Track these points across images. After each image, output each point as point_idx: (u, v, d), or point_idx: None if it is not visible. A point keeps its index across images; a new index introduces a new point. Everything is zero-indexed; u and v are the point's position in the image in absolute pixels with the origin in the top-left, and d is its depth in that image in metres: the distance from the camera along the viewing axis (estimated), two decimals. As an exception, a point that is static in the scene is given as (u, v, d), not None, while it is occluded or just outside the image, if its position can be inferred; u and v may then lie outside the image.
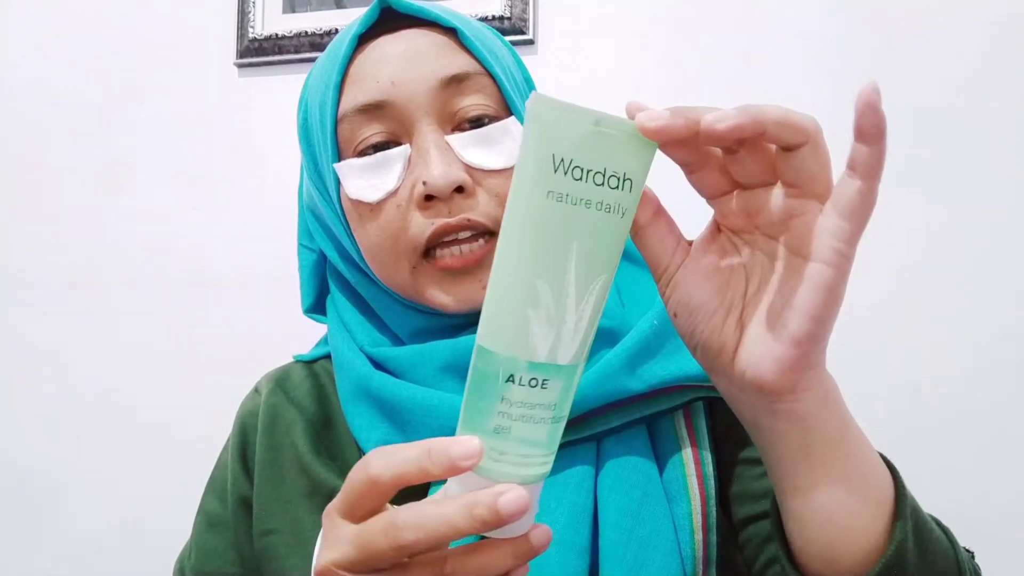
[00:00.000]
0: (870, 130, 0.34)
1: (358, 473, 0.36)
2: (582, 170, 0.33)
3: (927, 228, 0.91)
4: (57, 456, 1.11)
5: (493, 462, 0.35)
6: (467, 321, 0.58)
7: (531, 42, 1.02)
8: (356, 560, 0.36)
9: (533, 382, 0.34)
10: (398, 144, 0.55)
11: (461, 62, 0.55)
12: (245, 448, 0.63)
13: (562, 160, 0.33)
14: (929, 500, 0.90)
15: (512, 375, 0.34)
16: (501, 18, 1.02)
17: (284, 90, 1.09)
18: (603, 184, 0.34)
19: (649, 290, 0.58)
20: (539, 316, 0.34)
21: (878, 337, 0.91)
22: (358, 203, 0.55)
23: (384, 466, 0.35)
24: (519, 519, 0.33)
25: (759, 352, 0.36)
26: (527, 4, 1.02)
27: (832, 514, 0.39)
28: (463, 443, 0.34)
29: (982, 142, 0.91)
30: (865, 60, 0.94)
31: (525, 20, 1.02)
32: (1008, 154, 0.90)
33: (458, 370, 0.55)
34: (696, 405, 0.56)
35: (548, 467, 0.36)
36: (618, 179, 0.34)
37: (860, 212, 0.34)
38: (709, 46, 0.98)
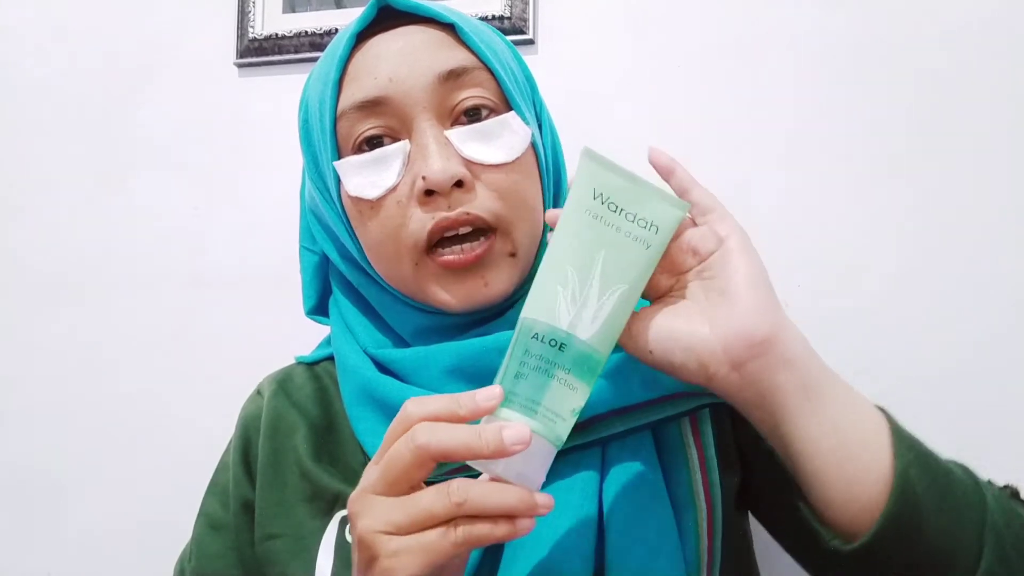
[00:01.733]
0: (665, 167, 0.48)
1: (395, 419, 0.41)
2: (617, 207, 0.44)
3: (925, 227, 0.91)
4: (56, 456, 1.11)
5: (511, 405, 0.42)
6: (470, 320, 0.58)
7: (531, 42, 1.02)
8: (380, 478, 0.40)
9: (552, 342, 0.42)
10: (397, 140, 0.55)
11: (459, 57, 0.55)
12: (248, 451, 0.63)
13: (601, 194, 0.45)
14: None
15: (536, 333, 0.42)
16: (501, 18, 1.01)
17: (284, 90, 1.09)
18: (633, 222, 0.44)
19: None
20: (566, 293, 0.43)
21: (876, 337, 0.91)
22: (358, 200, 0.55)
23: (417, 405, 0.41)
24: (519, 453, 0.39)
25: (732, 315, 0.42)
26: (527, 4, 1.02)
27: (843, 459, 0.42)
28: (486, 389, 0.41)
29: (981, 140, 0.91)
30: (864, 59, 0.94)
31: (525, 20, 1.02)
32: (1007, 151, 0.90)
33: (463, 373, 0.55)
34: (703, 412, 0.56)
35: (558, 431, 0.42)
36: (646, 223, 0.45)
37: (711, 200, 0.47)
38: (709, 46, 0.98)
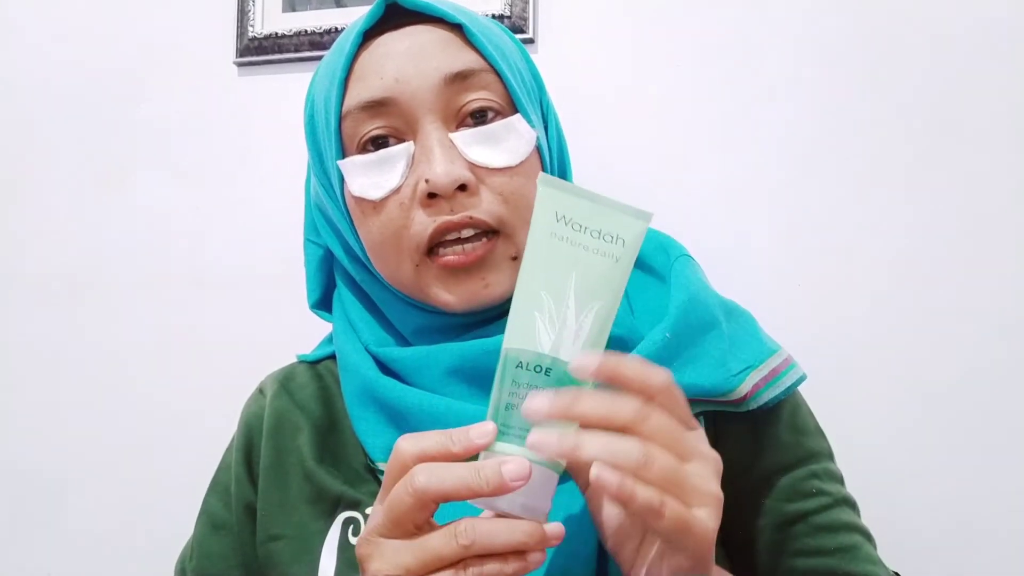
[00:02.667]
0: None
1: (390, 459, 0.41)
2: (580, 225, 0.44)
3: (924, 227, 0.91)
4: (57, 456, 1.11)
5: (505, 438, 0.41)
6: (471, 320, 0.57)
7: (531, 41, 1.02)
8: (385, 521, 0.40)
9: (538, 368, 0.42)
10: (402, 141, 0.55)
11: (466, 59, 0.55)
12: (250, 451, 0.63)
13: (563, 216, 0.44)
14: (930, 499, 0.90)
15: (521, 362, 0.42)
16: (501, 17, 1.01)
17: (284, 89, 1.09)
18: (599, 238, 0.44)
19: (659, 300, 0.58)
20: (543, 317, 0.42)
21: (877, 336, 0.91)
22: (361, 200, 0.55)
23: (410, 443, 0.40)
24: (521, 487, 0.39)
25: None
26: (527, 3, 1.02)
27: None
28: (479, 425, 0.40)
29: (979, 141, 0.91)
30: (864, 59, 0.94)
31: (525, 19, 1.01)
32: (1005, 152, 0.90)
33: (464, 374, 0.54)
34: (700, 418, 0.57)
35: (557, 459, 0.41)
36: (612, 237, 0.44)
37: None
38: (709, 45, 0.98)
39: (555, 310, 0.42)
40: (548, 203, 0.45)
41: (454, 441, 0.40)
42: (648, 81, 0.99)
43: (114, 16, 1.15)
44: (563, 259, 0.43)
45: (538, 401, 0.39)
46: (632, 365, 0.40)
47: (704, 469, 0.40)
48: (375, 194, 0.54)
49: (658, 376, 0.40)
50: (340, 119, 0.56)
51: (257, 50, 1.09)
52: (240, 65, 1.11)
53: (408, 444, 0.40)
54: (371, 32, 0.56)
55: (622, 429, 0.38)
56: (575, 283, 0.43)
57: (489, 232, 0.54)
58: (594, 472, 0.36)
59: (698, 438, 0.41)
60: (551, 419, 0.39)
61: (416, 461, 0.39)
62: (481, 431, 0.40)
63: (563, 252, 0.44)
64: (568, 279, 0.43)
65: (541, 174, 0.45)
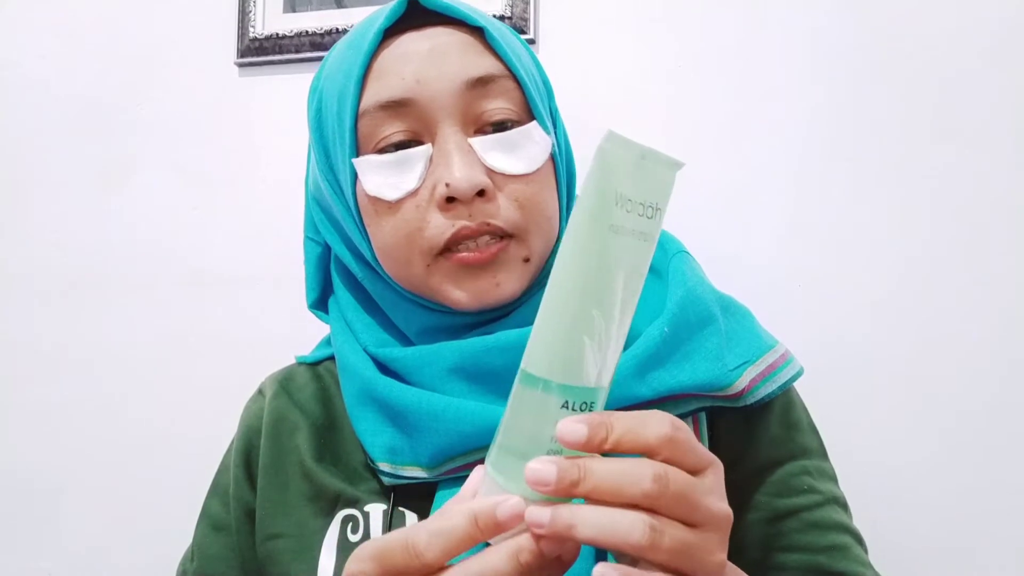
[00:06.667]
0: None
1: (405, 555, 0.35)
2: (631, 202, 0.34)
3: (925, 227, 0.91)
4: (57, 456, 1.11)
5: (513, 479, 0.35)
6: (476, 320, 0.57)
7: (532, 42, 1.02)
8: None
9: (583, 406, 0.35)
10: (420, 143, 0.55)
11: (487, 64, 0.55)
12: (249, 452, 0.63)
13: (619, 195, 0.34)
14: (930, 499, 0.90)
15: (567, 402, 0.34)
16: (502, 17, 1.01)
17: (285, 90, 1.09)
18: (643, 215, 0.35)
19: (656, 295, 0.58)
20: (593, 344, 0.34)
21: (877, 336, 0.91)
22: (376, 200, 0.55)
23: (435, 546, 0.35)
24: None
25: None
26: (528, 4, 1.02)
27: None
28: (507, 506, 0.34)
29: (983, 139, 0.91)
30: (868, 58, 0.94)
31: (526, 20, 1.02)
32: (1006, 152, 0.90)
33: (466, 373, 0.54)
34: (701, 414, 0.57)
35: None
36: (653, 209, 0.35)
37: None
38: (711, 45, 0.98)
39: (604, 330, 0.34)
40: (611, 180, 0.34)
41: (482, 529, 0.35)
42: (649, 81, 1.00)
43: (115, 17, 1.15)
44: (614, 260, 0.34)
45: (542, 471, 0.33)
46: (624, 425, 0.34)
47: (713, 536, 0.36)
48: (392, 195, 0.54)
49: (658, 428, 0.35)
50: (356, 117, 0.55)
51: (258, 51, 1.09)
52: (241, 66, 1.11)
53: (433, 547, 0.35)
54: (390, 31, 0.56)
55: (636, 504, 0.33)
56: (622, 286, 0.35)
57: (503, 234, 0.54)
58: (597, 573, 0.33)
59: (706, 488, 0.36)
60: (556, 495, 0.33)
61: (444, 562, 0.35)
62: (511, 513, 0.34)
63: (614, 250, 0.34)
64: (616, 286, 0.34)
65: (609, 130, 0.34)
